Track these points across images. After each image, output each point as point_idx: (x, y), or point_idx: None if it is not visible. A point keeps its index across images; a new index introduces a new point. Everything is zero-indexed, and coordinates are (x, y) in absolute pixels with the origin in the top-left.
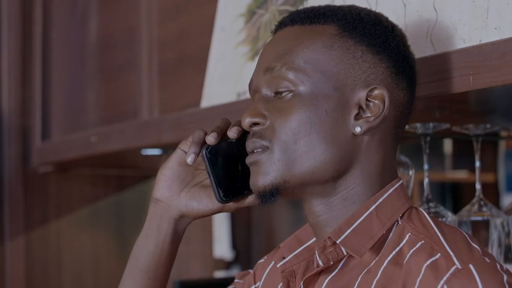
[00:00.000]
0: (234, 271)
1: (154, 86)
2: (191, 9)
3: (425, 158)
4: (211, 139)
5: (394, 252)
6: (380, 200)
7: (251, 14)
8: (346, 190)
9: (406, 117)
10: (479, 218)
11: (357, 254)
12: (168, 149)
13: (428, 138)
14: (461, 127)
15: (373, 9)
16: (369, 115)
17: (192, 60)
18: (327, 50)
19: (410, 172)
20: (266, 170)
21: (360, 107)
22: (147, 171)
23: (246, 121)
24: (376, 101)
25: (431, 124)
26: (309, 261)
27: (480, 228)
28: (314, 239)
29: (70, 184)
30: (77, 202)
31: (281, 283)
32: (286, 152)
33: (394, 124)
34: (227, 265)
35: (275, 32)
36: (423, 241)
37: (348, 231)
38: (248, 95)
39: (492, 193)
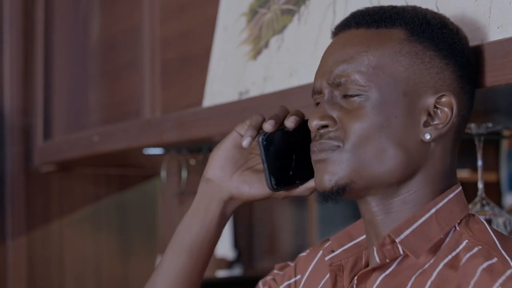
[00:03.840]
0: (236, 271)
1: (156, 86)
2: (193, 8)
3: None
4: (268, 126)
5: (450, 257)
6: (440, 204)
7: (253, 13)
8: (407, 193)
9: (467, 121)
10: (481, 217)
11: (414, 255)
12: (170, 148)
13: None
14: None
15: None
16: (437, 122)
17: (194, 60)
18: (396, 56)
19: None
20: (334, 170)
21: (428, 114)
22: (149, 171)
23: (314, 124)
24: (445, 108)
25: None
26: (358, 257)
27: None
28: (365, 236)
29: (72, 184)
30: (79, 201)
31: (327, 276)
32: (356, 154)
33: (457, 129)
34: (229, 264)
35: (336, 33)
36: (480, 247)
37: (408, 231)
38: (250, 94)
39: (494, 192)
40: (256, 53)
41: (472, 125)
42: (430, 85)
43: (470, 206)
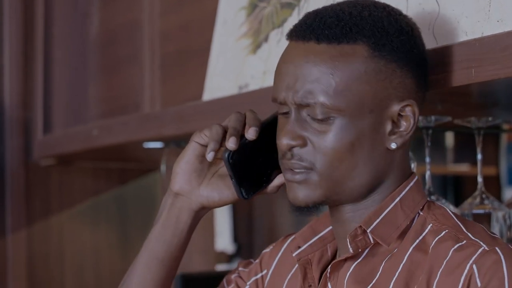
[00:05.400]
0: (236, 265)
1: (156, 79)
2: (193, 2)
3: (427, 151)
4: (232, 145)
5: (418, 240)
6: (403, 193)
7: (252, 7)
8: (376, 194)
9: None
10: (481, 211)
11: (385, 243)
12: (170, 142)
13: (430, 131)
14: (463, 120)
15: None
16: (402, 129)
17: (194, 53)
18: (361, 76)
19: (412, 165)
20: (307, 192)
21: (392, 121)
22: (149, 164)
23: (285, 144)
24: (408, 115)
25: (433, 117)
26: (323, 250)
27: (482, 221)
28: (327, 229)
29: (72, 177)
30: (79, 195)
31: (293, 270)
32: (328, 176)
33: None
34: (229, 258)
35: (294, 39)
36: (447, 230)
37: (377, 221)
38: (249, 88)
39: (494, 186)
40: (256, 47)
41: (472, 119)
42: (393, 96)
43: (469, 200)
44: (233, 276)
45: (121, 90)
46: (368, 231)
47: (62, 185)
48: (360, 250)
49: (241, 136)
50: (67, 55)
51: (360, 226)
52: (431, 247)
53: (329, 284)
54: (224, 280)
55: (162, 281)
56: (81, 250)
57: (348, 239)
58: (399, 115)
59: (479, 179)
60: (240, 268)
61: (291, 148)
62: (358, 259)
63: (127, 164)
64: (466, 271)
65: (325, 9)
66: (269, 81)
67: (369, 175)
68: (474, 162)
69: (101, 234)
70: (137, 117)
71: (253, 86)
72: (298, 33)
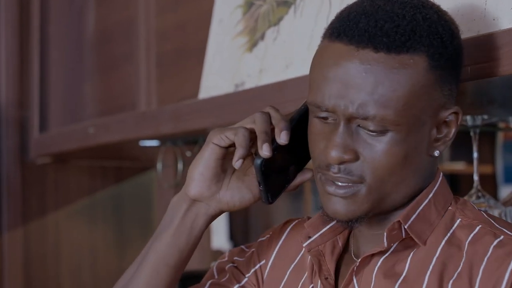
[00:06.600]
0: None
1: (152, 78)
2: (189, 0)
3: None
4: (266, 153)
5: (448, 234)
6: (435, 189)
7: (249, 5)
8: (413, 201)
9: None
10: None
11: (420, 240)
12: (166, 140)
13: None
14: None
15: None
16: (445, 135)
17: (190, 52)
18: (422, 90)
19: None
20: (354, 206)
21: (437, 128)
22: (145, 163)
23: (336, 158)
24: (453, 120)
25: None
26: (334, 241)
27: None
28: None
29: (68, 176)
30: (75, 193)
31: (296, 260)
32: (377, 189)
33: None
34: None
35: (341, 40)
36: (481, 225)
37: (414, 216)
38: (246, 86)
39: (490, 185)
40: (252, 45)
41: (468, 117)
42: (443, 103)
43: (465, 198)
44: (227, 266)
45: (118, 89)
46: (405, 226)
47: (58, 183)
48: (392, 244)
49: (275, 143)
50: (63, 53)
51: (398, 221)
52: (467, 242)
53: (354, 279)
54: (214, 269)
55: (168, 284)
56: (78, 248)
57: (385, 233)
58: (444, 121)
59: (475, 177)
60: (235, 258)
61: (341, 162)
62: (385, 253)
63: (123, 163)
64: (511, 267)
65: (374, 9)
66: (265, 80)
67: (414, 185)
68: (470, 161)
69: (98, 233)
70: (133, 116)
71: (249, 84)
72: (351, 37)
